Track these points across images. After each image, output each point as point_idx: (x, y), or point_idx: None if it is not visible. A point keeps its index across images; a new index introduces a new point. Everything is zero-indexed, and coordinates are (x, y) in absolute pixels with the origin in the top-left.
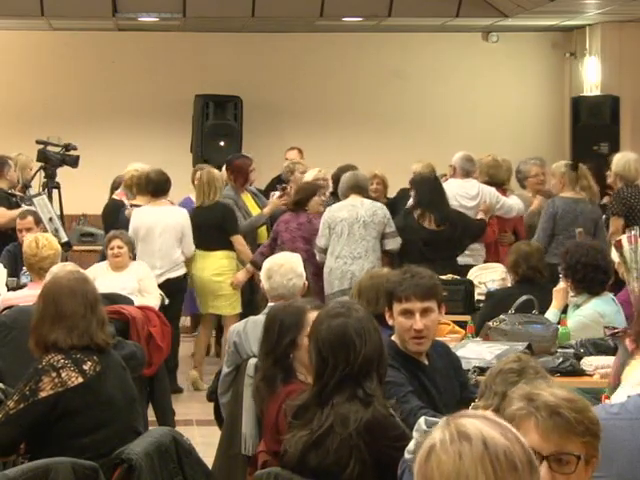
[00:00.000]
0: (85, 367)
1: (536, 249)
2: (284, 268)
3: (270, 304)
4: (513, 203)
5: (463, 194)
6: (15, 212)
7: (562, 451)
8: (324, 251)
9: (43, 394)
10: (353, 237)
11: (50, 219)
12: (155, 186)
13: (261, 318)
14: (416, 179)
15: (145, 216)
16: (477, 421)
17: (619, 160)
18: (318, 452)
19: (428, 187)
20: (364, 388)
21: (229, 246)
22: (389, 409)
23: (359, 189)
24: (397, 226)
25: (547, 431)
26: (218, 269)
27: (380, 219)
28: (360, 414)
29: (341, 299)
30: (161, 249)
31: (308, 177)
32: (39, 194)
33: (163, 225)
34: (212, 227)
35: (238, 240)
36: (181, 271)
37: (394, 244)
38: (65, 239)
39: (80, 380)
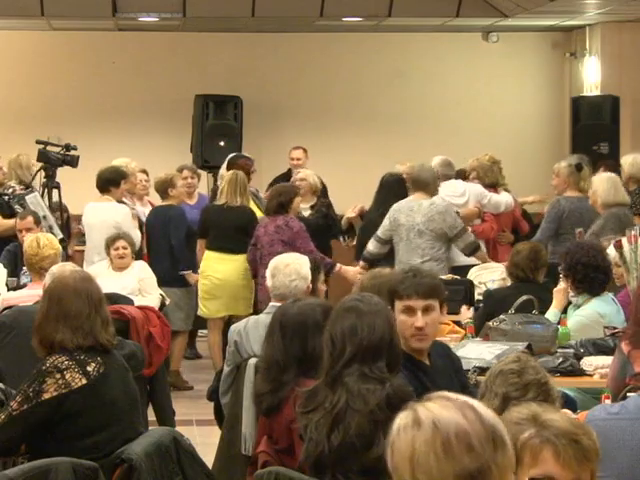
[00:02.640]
0: (89, 368)
1: (526, 248)
2: (289, 268)
3: (272, 303)
4: (501, 199)
5: (450, 193)
6: (10, 222)
7: (579, 479)
8: (383, 242)
9: (47, 396)
10: (410, 245)
11: (44, 217)
12: (102, 183)
13: (262, 318)
14: (381, 181)
15: (89, 215)
16: (436, 404)
17: (632, 163)
18: (340, 431)
19: (387, 187)
20: (372, 368)
21: (244, 249)
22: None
23: (421, 185)
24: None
25: (568, 460)
26: (244, 272)
27: (437, 225)
28: (379, 391)
29: (362, 293)
30: (101, 244)
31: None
32: (31, 192)
33: (100, 223)
34: (237, 230)
35: None
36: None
37: (463, 242)
38: (60, 236)
39: (84, 382)
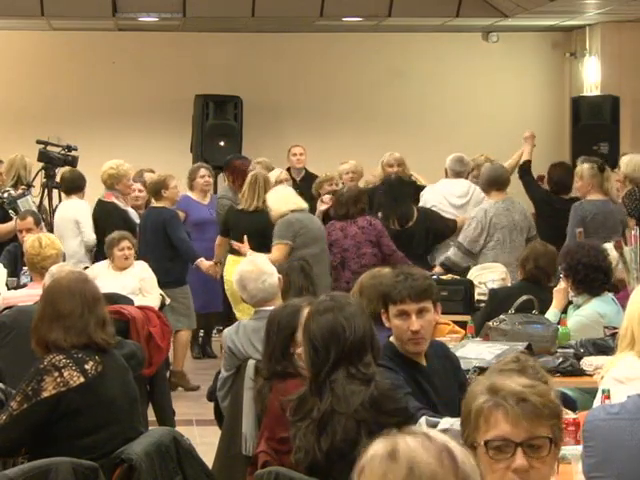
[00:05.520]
0: (87, 367)
1: (550, 252)
2: (255, 273)
3: (258, 309)
4: None
5: (452, 192)
6: (5, 226)
7: (533, 436)
8: (472, 255)
9: (46, 394)
10: (513, 244)
11: None
12: (67, 184)
13: (251, 323)
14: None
15: (57, 212)
16: (415, 441)
17: (628, 163)
18: (327, 434)
19: (389, 188)
20: (358, 367)
21: (268, 251)
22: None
23: (499, 184)
24: None
25: (517, 418)
26: None
27: (529, 223)
28: (364, 392)
29: (333, 293)
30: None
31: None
32: (23, 195)
33: (59, 217)
34: (255, 233)
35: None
36: (83, 263)
37: None
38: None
39: (82, 380)
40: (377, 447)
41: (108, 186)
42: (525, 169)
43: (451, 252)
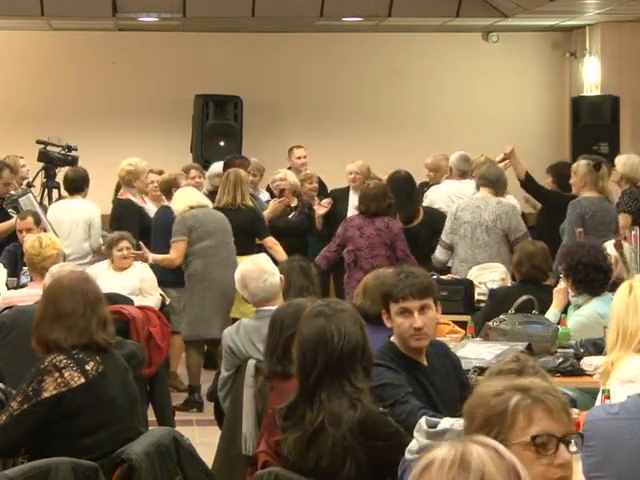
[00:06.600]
0: (87, 367)
1: (540, 249)
2: (256, 272)
3: (259, 309)
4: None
5: (458, 194)
6: (3, 225)
7: (570, 431)
8: (450, 247)
9: (46, 394)
10: (476, 242)
11: None
12: (69, 184)
13: (252, 322)
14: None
15: (58, 210)
16: (486, 453)
17: (625, 162)
18: (314, 452)
19: (395, 185)
20: (350, 380)
21: (254, 250)
22: (378, 407)
23: (487, 182)
24: None
25: (559, 413)
26: None
27: (504, 225)
28: (351, 413)
29: (329, 299)
30: (68, 238)
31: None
32: (25, 193)
33: (72, 218)
34: (241, 231)
35: (272, 241)
36: (92, 264)
37: None
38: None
39: (82, 381)
40: (443, 451)
41: (125, 183)
42: (528, 181)
43: (437, 251)
